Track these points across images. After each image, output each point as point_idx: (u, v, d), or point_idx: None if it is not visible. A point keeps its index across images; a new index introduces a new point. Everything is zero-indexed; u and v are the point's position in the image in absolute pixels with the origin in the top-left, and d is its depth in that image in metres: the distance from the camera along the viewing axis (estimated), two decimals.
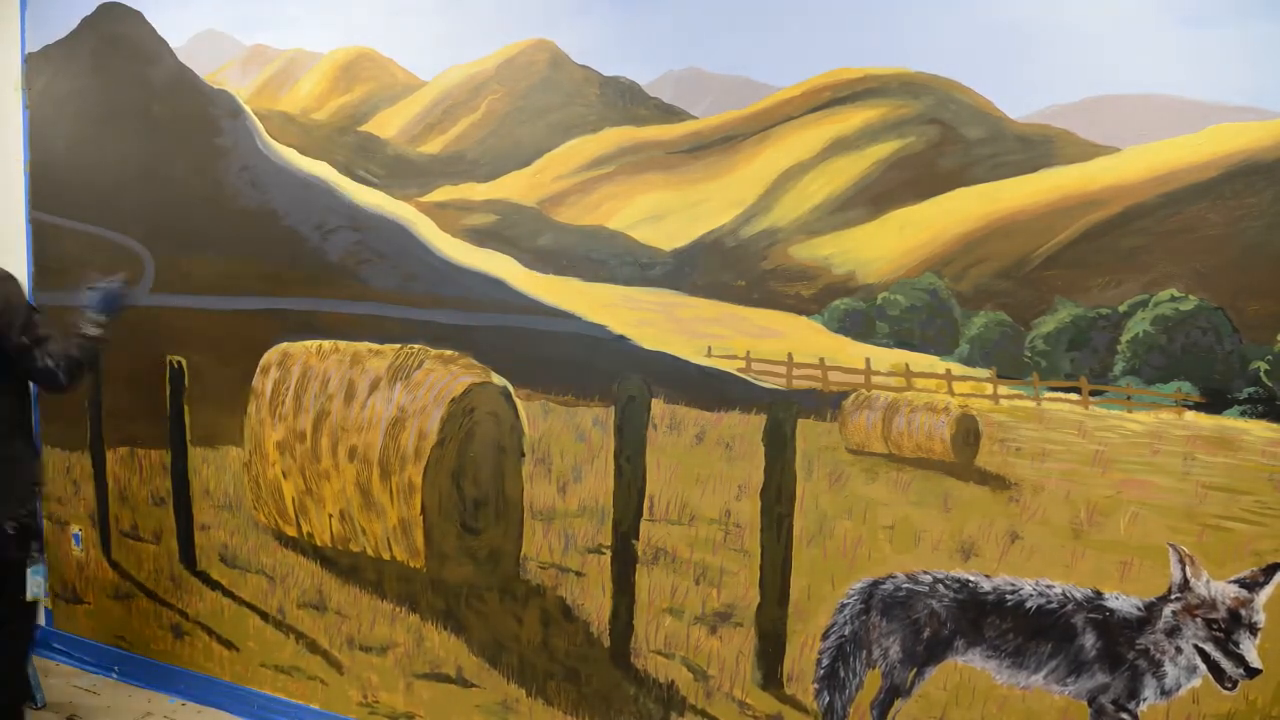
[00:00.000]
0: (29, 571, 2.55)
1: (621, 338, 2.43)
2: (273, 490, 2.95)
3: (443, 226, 2.66)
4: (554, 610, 2.58)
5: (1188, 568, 1.89)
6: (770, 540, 2.29)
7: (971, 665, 2.11)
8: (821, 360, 2.23)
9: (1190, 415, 1.91)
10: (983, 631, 2.08)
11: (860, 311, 2.19)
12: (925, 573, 2.14)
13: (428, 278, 2.68)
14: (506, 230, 2.58)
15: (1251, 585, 1.86)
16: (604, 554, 2.50)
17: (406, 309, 2.72)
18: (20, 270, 3.45)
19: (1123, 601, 1.96)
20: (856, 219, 2.18)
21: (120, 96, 3.16)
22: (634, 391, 2.43)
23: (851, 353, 2.20)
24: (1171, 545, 1.91)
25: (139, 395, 3.20)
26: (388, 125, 2.76)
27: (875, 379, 2.18)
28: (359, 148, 2.80)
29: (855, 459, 2.20)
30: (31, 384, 2.59)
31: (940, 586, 2.12)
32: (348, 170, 2.80)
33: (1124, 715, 1.98)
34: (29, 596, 2.56)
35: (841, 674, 2.23)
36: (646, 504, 2.44)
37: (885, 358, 2.17)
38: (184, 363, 3.12)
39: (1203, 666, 1.90)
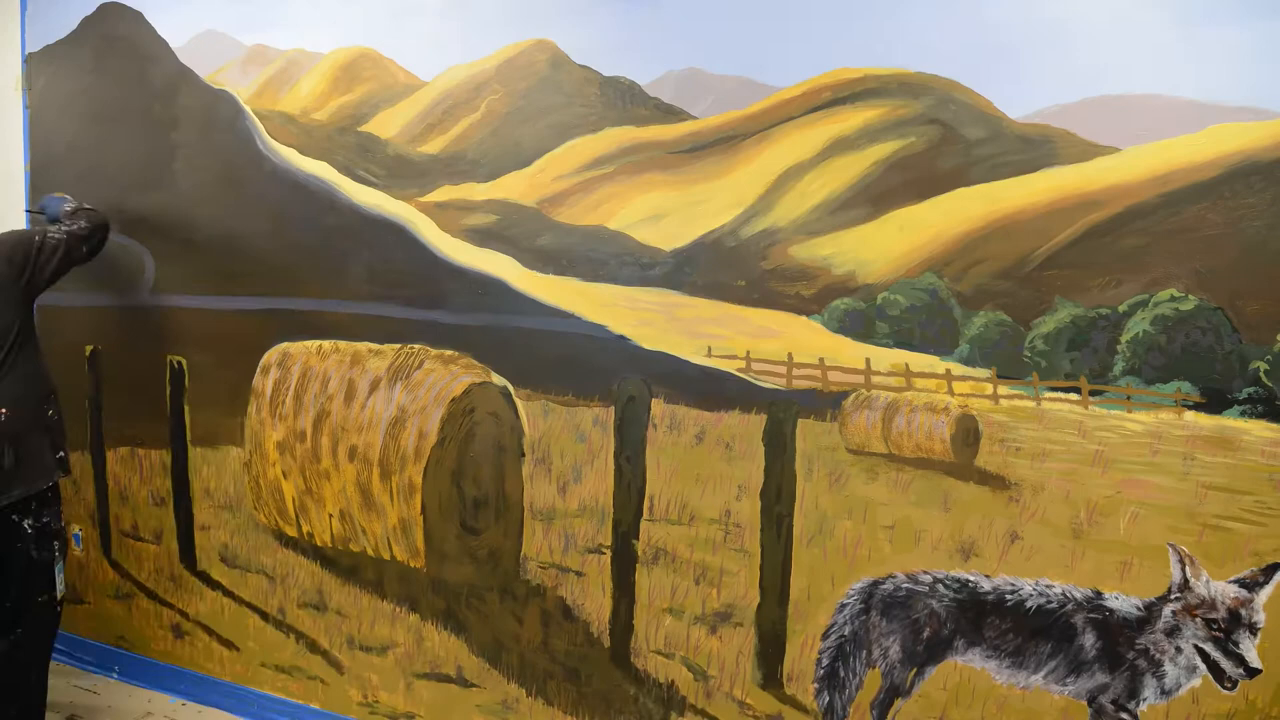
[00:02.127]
0: (57, 570, 2.59)
1: (621, 338, 2.43)
2: (273, 490, 2.95)
3: (443, 226, 2.66)
4: (554, 610, 2.58)
5: (1187, 568, 1.89)
6: (770, 540, 2.29)
7: (971, 665, 2.11)
8: (821, 360, 2.23)
9: (1190, 415, 1.91)
10: (982, 631, 2.08)
11: (860, 311, 2.19)
12: (925, 573, 2.14)
13: (428, 278, 2.68)
14: (507, 230, 2.58)
15: (1251, 585, 1.86)
16: (604, 554, 2.50)
17: (406, 309, 2.72)
18: None
19: (1122, 601, 1.96)
20: (856, 219, 2.18)
21: (120, 96, 3.16)
22: (634, 391, 2.43)
23: (851, 353, 2.20)
24: (1171, 545, 1.91)
25: (139, 395, 3.20)
26: (388, 125, 2.77)
27: (875, 379, 2.18)
28: (359, 148, 2.81)
29: (855, 459, 2.20)
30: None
31: (940, 586, 2.12)
32: (348, 170, 2.80)
33: (1124, 715, 1.98)
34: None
35: (841, 674, 2.23)
36: (646, 504, 2.44)
37: (885, 358, 2.17)
38: (184, 363, 3.12)
39: (1202, 666, 1.91)
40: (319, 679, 2.98)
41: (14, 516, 2.54)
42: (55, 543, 2.61)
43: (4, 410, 2.47)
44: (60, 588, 2.63)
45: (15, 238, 2.64)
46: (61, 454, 2.68)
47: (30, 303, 2.64)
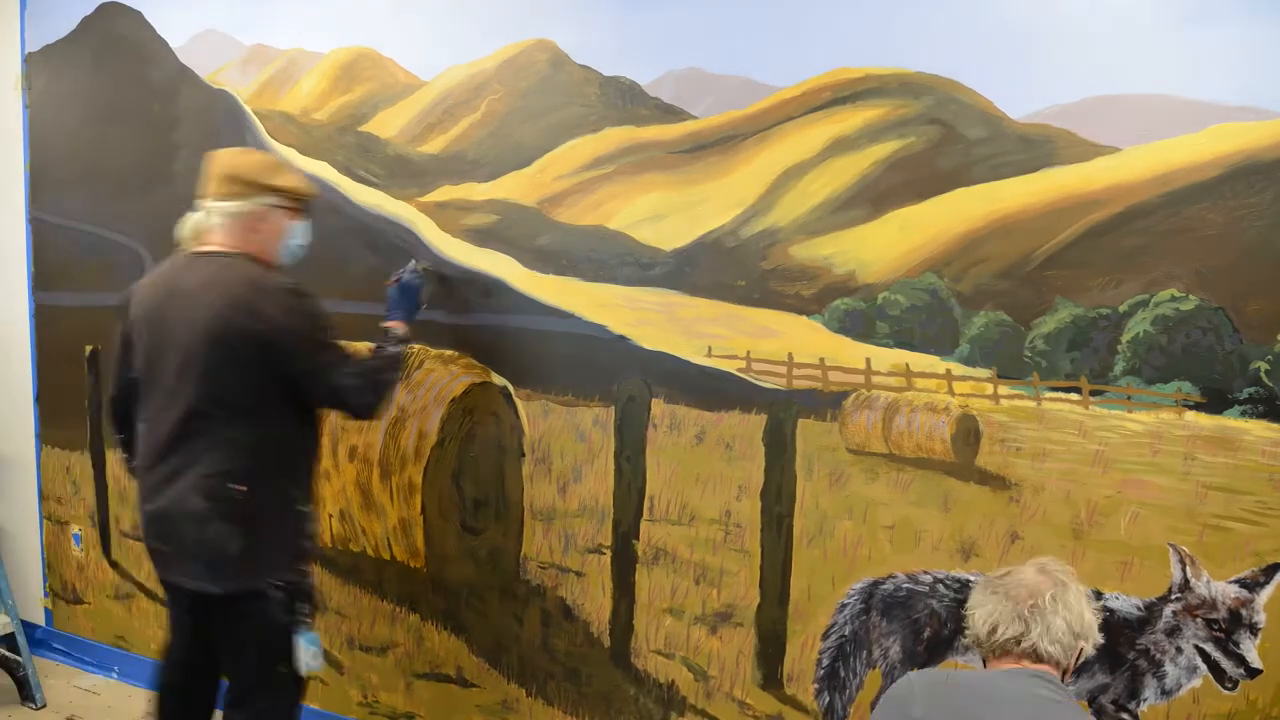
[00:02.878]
0: (300, 640, 2.10)
1: (621, 338, 2.43)
2: None
3: (443, 226, 2.66)
4: (554, 610, 2.58)
5: (1188, 568, 1.89)
6: (770, 540, 2.29)
7: (971, 665, 2.11)
8: (822, 360, 2.23)
9: (1190, 415, 1.91)
10: None
11: (860, 311, 2.19)
12: (925, 572, 2.14)
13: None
14: (507, 230, 2.58)
15: (1252, 585, 1.86)
16: (604, 554, 2.50)
17: None
18: (20, 271, 3.46)
19: (1123, 601, 1.96)
20: (857, 219, 2.18)
21: (120, 96, 3.16)
22: (634, 391, 2.43)
23: (852, 353, 2.20)
24: (1172, 545, 1.91)
25: None
26: (388, 125, 2.76)
27: (875, 379, 2.18)
28: (359, 148, 2.80)
29: (855, 459, 2.20)
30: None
31: (941, 586, 2.12)
32: (348, 170, 2.80)
33: (1124, 715, 1.98)
34: (303, 669, 2.11)
35: (842, 674, 2.23)
36: (646, 504, 2.44)
37: (885, 357, 2.17)
38: None
39: (1203, 666, 1.91)
40: (319, 679, 2.98)
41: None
42: (303, 605, 2.12)
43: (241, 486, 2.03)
44: (309, 663, 2.13)
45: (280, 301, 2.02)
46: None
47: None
